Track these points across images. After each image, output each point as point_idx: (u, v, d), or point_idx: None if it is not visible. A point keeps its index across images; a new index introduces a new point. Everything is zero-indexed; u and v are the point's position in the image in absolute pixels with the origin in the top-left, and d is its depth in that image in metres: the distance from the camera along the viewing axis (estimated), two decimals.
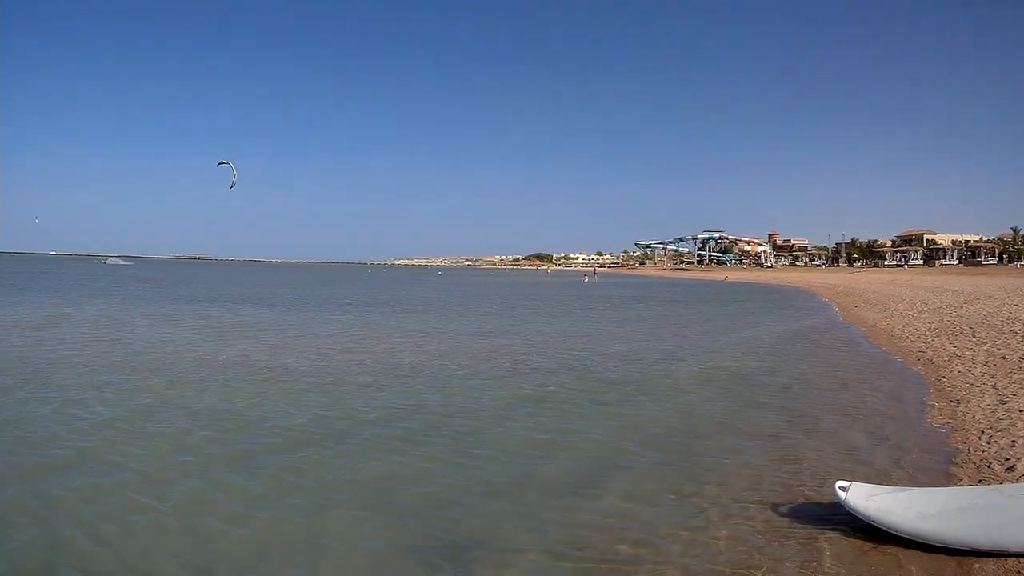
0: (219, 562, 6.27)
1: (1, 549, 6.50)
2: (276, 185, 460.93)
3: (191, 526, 7.07)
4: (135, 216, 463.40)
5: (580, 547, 6.54)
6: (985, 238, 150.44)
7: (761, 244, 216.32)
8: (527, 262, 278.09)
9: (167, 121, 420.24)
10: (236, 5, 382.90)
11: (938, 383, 14.91)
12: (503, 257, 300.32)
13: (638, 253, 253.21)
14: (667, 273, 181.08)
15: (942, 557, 6.29)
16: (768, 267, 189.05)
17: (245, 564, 6.30)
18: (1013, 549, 6.28)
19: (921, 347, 20.91)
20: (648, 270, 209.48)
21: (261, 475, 8.57)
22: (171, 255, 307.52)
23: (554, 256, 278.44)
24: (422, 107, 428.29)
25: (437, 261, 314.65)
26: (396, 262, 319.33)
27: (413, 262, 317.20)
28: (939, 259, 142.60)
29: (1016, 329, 21.62)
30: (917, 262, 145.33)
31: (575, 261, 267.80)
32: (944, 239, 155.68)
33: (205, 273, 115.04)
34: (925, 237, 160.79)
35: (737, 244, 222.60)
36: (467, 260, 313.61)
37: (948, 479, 8.36)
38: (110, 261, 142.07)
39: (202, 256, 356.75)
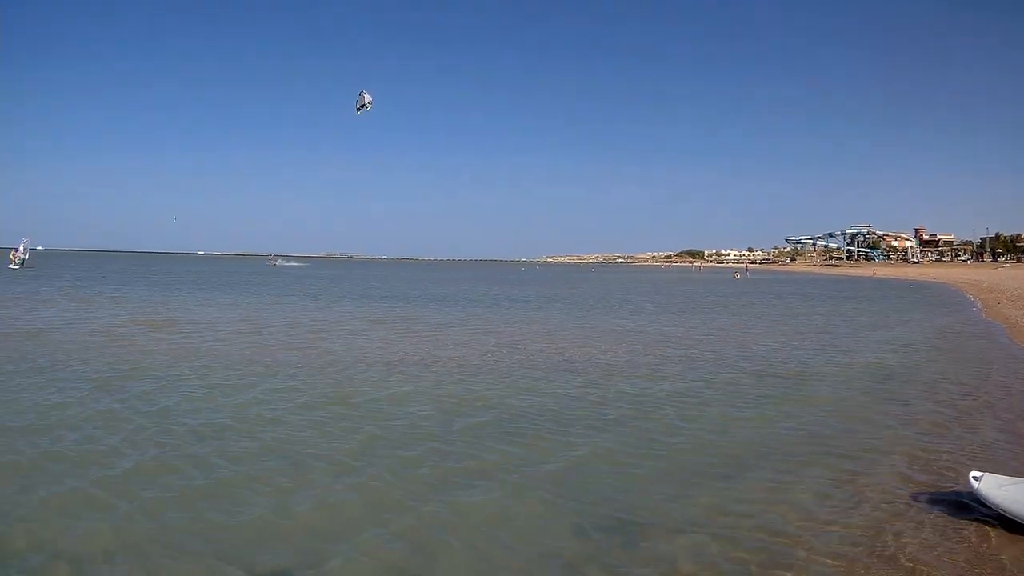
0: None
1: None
2: (424, 183, 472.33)
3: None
4: (289, 217, 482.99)
5: (732, 528, 6.80)
6: None
7: (908, 239, 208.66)
8: (679, 258, 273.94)
9: (315, 125, 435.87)
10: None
11: None
12: (655, 254, 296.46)
13: (788, 249, 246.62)
14: (816, 269, 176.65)
15: None
16: (915, 262, 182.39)
17: (464, 537, 6.65)
18: None
19: None
20: (798, 266, 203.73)
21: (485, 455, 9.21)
22: (322, 253, 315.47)
23: (705, 252, 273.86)
24: (572, 106, 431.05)
25: (589, 259, 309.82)
26: (548, 259, 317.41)
27: (564, 259, 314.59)
28: None
29: None
30: None
31: (726, 257, 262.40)
32: None
33: (371, 271, 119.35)
34: None
35: (884, 239, 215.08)
36: (619, 257, 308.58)
37: None
38: (279, 263, 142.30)
39: (354, 255, 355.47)
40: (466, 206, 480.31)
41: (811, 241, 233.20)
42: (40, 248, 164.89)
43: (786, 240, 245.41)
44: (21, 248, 75.57)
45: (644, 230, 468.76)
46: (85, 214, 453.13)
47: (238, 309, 32.56)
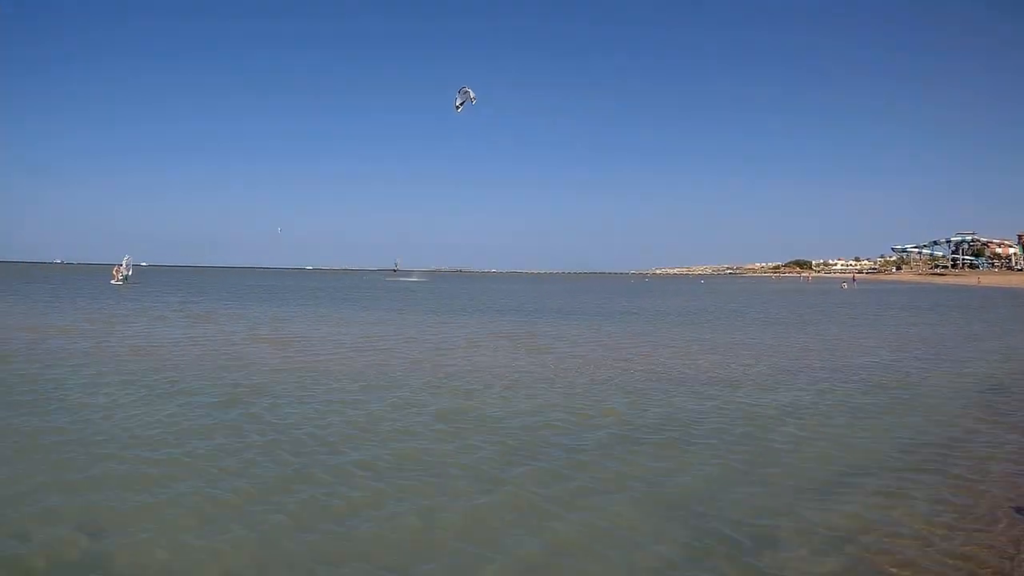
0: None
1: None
2: (533, 196, 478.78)
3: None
4: (399, 230, 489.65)
5: (835, 543, 6.77)
6: None
7: (1012, 245, 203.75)
8: (787, 269, 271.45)
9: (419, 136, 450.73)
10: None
11: None
12: (763, 264, 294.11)
13: (894, 258, 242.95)
14: (922, 278, 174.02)
15: None
16: (1019, 270, 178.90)
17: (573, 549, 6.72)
18: None
19: None
20: (904, 275, 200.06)
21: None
22: (432, 267, 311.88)
23: (813, 262, 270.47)
24: (680, 118, 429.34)
25: (698, 270, 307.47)
26: (657, 271, 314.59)
27: (673, 271, 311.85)
28: None
29: None
30: None
31: (833, 267, 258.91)
32: None
33: (486, 285, 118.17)
34: None
35: (988, 247, 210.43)
36: (727, 268, 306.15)
37: None
38: (399, 265, 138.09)
39: (463, 268, 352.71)
40: (574, 218, 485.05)
41: (916, 250, 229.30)
42: (144, 264, 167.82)
43: (892, 249, 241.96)
44: (124, 264, 74.80)
45: (752, 240, 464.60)
46: (189, 229, 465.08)
47: (356, 324, 32.66)
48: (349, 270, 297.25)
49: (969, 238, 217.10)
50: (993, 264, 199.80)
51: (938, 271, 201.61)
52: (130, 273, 75.11)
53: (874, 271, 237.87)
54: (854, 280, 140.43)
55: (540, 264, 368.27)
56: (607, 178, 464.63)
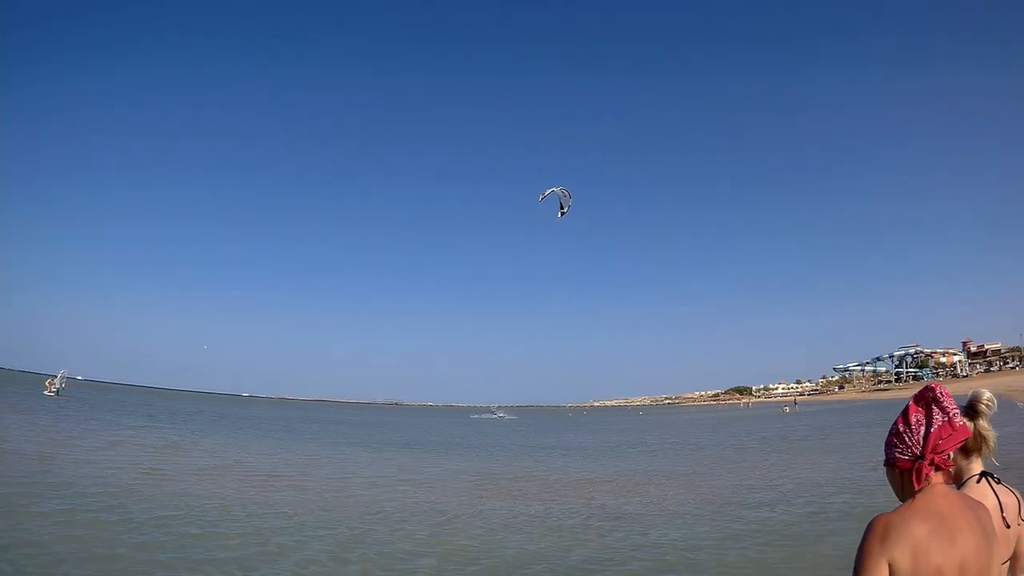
0: None
1: None
2: (470, 328, 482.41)
3: None
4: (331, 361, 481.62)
5: None
6: None
7: (956, 353, 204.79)
8: (727, 396, 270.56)
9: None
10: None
11: None
12: (703, 393, 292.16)
13: (836, 377, 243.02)
14: (866, 395, 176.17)
15: None
16: (964, 376, 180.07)
17: None
18: None
19: None
20: (847, 394, 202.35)
21: None
22: (367, 400, 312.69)
23: (753, 388, 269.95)
24: (616, 249, 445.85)
25: (636, 401, 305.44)
26: (595, 403, 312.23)
27: (612, 403, 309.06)
28: None
29: None
30: None
31: (774, 391, 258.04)
32: None
33: (416, 419, 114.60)
34: None
35: (933, 357, 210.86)
36: (666, 398, 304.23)
37: None
38: (499, 414, 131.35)
39: (399, 401, 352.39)
40: (510, 348, 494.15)
41: (859, 367, 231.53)
42: (80, 378, 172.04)
43: (834, 369, 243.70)
44: (59, 377, 78.20)
45: (691, 369, 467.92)
46: (132, 349, 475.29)
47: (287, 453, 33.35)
48: (286, 399, 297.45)
49: (913, 351, 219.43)
50: (938, 374, 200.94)
51: (881, 387, 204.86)
52: (63, 386, 77.01)
53: (816, 392, 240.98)
54: (795, 403, 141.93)
55: (474, 396, 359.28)
56: (543, 310, 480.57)
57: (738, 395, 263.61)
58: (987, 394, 3.50)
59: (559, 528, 15.96)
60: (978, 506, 2.90)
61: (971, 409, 3.53)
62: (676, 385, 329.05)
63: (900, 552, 2.68)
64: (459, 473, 28.20)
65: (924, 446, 2.88)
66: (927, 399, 3.00)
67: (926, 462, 2.86)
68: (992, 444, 3.52)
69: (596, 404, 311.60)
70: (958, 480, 3.47)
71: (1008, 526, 3.32)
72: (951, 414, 2.90)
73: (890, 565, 2.68)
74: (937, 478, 2.86)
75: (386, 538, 14.55)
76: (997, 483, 3.44)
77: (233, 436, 44.61)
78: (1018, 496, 3.44)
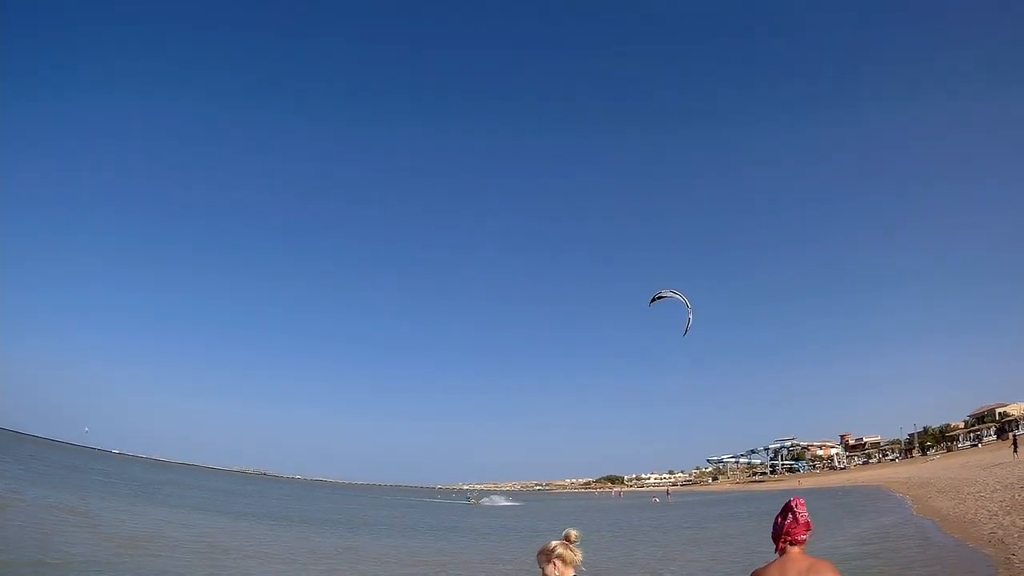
0: None
1: None
2: (331, 403, 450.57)
3: None
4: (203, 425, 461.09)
5: None
6: None
7: (833, 446, 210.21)
8: (598, 484, 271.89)
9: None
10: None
11: (1007, 562, 15.83)
12: (574, 480, 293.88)
13: (710, 469, 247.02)
14: (740, 486, 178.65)
15: None
16: (841, 468, 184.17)
17: None
18: None
19: (993, 528, 21.59)
20: (721, 485, 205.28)
21: None
22: (237, 468, 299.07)
23: (625, 477, 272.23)
24: (479, 327, 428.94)
25: (506, 486, 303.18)
26: (464, 487, 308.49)
27: (480, 487, 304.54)
28: (1012, 431, 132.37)
29: None
30: (991, 439, 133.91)
31: (647, 481, 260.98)
32: (1016, 409, 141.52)
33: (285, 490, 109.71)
34: (997, 411, 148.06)
35: (809, 450, 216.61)
36: (536, 484, 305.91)
37: None
38: (495, 499, 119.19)
39: (267, 472, 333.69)
40: (378, 428, 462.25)
41: (733, 459, 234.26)
42: None
43: (708, 460, 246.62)
44: None
45: (563, 456, 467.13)
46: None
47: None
48: (161, 461, 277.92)
49: (789, 443, 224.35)
50: (815, 466, 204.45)
51: (756, 478, 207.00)
52: None
53: (689, 483, 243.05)
54: (668, 493, 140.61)
55: (340, 472, 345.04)
56: (407, 389, 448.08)
57: (610, 484, 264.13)
58: (575, 532, 6.05)
59: None
60: (823, 565, 5.51)
61: (567, 538, 6.03)
62: (546, 472, 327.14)
63: None
64: None
65: (782, 532, 5.72)
66: (789, 507, 5.73)
67: (782, 542, 5.67)
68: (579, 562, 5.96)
69: (465, 487, 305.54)
70: None
71: None
72: (799, 516, 5.66)
73: None
74: (793, 550, 5.58)
75: None
76: None
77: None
78: None
